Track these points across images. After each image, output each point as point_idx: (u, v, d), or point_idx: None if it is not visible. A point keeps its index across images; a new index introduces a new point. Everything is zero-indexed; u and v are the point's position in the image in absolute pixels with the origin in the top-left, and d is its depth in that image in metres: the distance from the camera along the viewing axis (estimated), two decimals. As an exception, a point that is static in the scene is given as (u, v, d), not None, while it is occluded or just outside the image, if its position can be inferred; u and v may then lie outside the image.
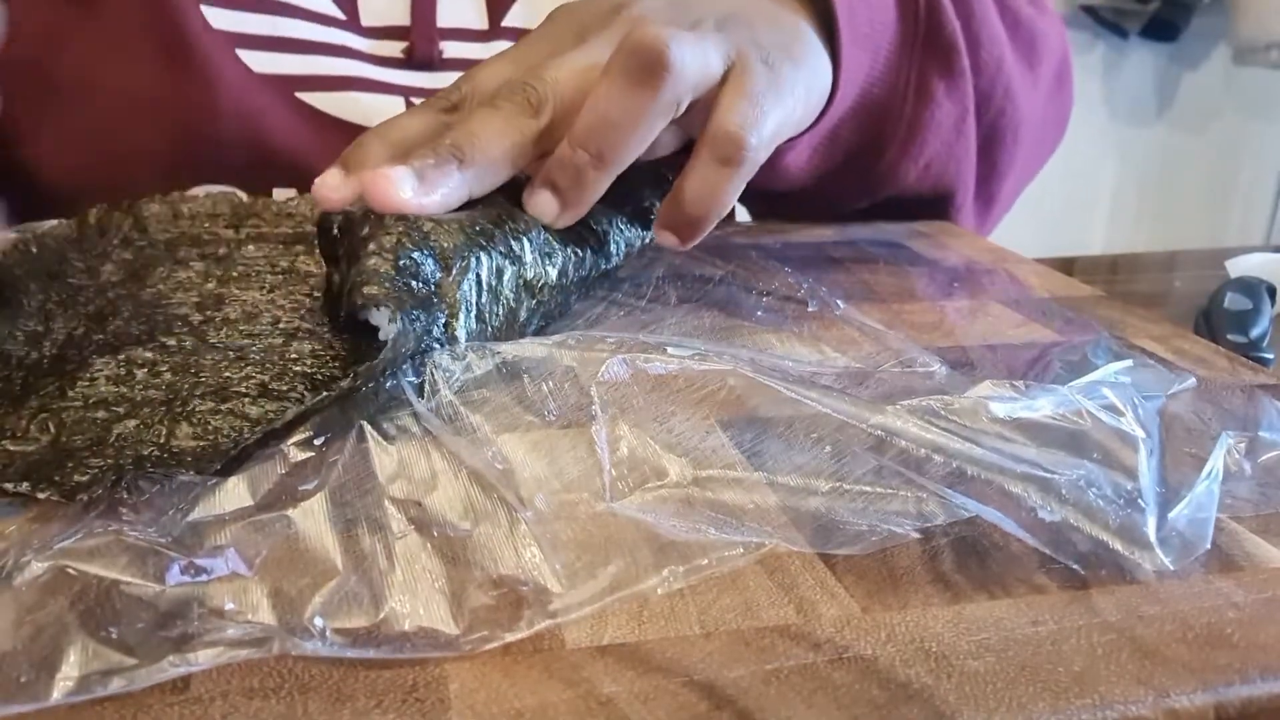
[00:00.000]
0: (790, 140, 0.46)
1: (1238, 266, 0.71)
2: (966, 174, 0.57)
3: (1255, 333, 0.60)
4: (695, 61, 0.36)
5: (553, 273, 0.37)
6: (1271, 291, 0.64)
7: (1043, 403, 0.29)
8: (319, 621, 0.21)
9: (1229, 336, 0.59)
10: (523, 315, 0.36)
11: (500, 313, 0.35)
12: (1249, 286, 0.64)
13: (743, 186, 0.39)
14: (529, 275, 0.36)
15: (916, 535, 0.25)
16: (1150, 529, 0.25)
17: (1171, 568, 0.25)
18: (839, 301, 0.42)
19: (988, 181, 0.59)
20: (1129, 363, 0.35)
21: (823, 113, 0.46)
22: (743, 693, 0.20)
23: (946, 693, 0.20)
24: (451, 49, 0.55)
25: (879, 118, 0.51)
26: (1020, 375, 0.36)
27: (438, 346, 0.31)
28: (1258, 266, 0.70)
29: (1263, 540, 0.26)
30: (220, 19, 0.52)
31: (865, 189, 0.55)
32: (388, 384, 0.30)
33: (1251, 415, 0.32)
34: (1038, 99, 0.59)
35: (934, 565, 0.24)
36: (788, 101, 0.41)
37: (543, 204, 0.37)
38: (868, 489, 0.27)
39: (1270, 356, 0.58)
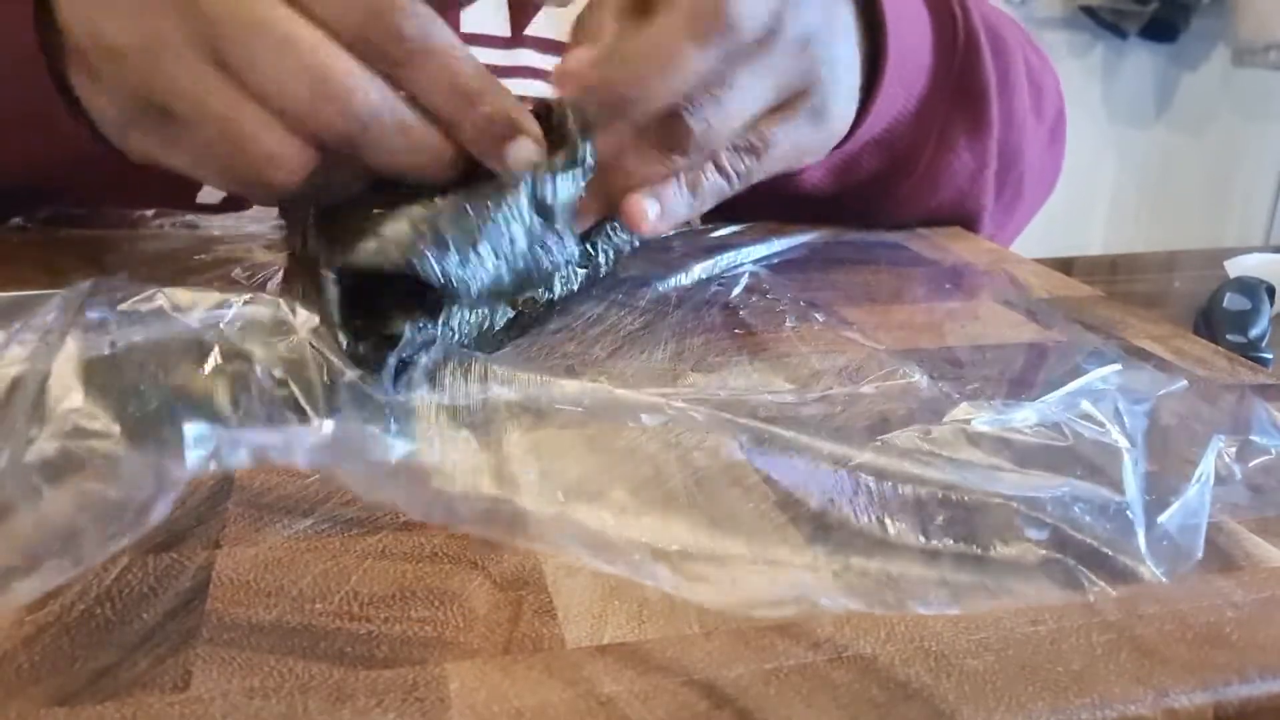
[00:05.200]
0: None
1: (1237, 266, 0.71)
2: (977, 223, 0.56)
3: (1255, 333, 0.60)
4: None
5: (542, 292, 0.37)
6: (1271, 291, 0.64)
7: (1023, 416, 0.29)
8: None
9: (1228, 336, 0.59)
10: (500, 324, 0.36)
11: (473, 320, 0.34)
12: (1248, 286, 0.64)
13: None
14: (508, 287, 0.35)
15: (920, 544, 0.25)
16: (1140, 541, 0.25)
17: (1164, 580, 0.24)
18: (836, 304, 0.42)
19: (1003, 229, 0.60)
20: (1117, 366, 0.35)
21: (847, 138, 0.46)
22: (742, 692, 0.20)
23: (946, 692, 0.20)
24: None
25: (901, 156, 0.51)
26: (1008, 378, 0.36)
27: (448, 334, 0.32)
28: (1257, 266, 0.70)
29: (1262, 540, 0.26)
30: None
31: (870, 216, 0.55)
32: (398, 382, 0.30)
33: (1242, 418, 0.32)
34: (1040, 146, 0.59)
35: (934, 565, 0.24)
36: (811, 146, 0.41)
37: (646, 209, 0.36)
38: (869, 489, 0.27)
39: (1269, 356, 0.58)
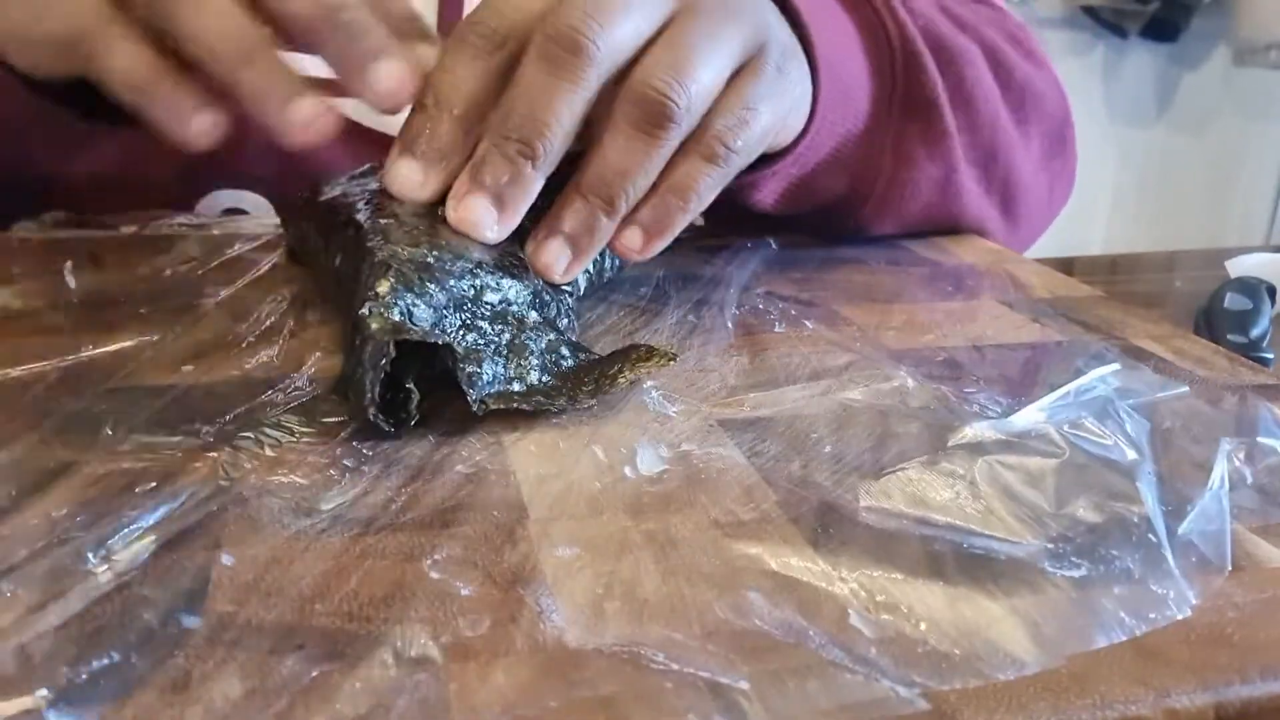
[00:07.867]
0: (760, 179, 0.45)
1: (1238, 266, 0.71)
2: (968, 221, 0.55)
3: (1255, 333, 0.60)
4: (703, 93, 0.35)
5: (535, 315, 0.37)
6: (1271, 291, 0.64)
7: (1026, 427, 0.29)
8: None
9: (1229, 336, 0.59)
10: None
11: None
12: (1249, 286, 0.64)
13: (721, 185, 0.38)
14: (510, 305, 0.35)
15: (917, 535, 0.25)
16: (1169, 560, 0.25)
17: (1195, 600, 0.23)
18: (836, 304, 0.42)
19: (1014, 230, 0.58)
20: (1116, 366, 0.35)
21: (794, 148, 0.45)
22: (743, 693, 0.20)
23: (946, 692, 0.20)
24: None
25: (858, 175, 0.50)
26: (1007, 380, 0.35)
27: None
28: (1258, 266, 0.70)
29: (1263, 540, 0.26)
30: None
31: (838, 232, 0.54)
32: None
33: (1247, 420, 0.32)
34: (1030, 157, 0.57)
35: (934, 565, 0.24)
36: (782, 107, 0.40)
37: (556, 255, 0.36)
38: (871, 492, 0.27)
39: (1270, 356, 0.58)
